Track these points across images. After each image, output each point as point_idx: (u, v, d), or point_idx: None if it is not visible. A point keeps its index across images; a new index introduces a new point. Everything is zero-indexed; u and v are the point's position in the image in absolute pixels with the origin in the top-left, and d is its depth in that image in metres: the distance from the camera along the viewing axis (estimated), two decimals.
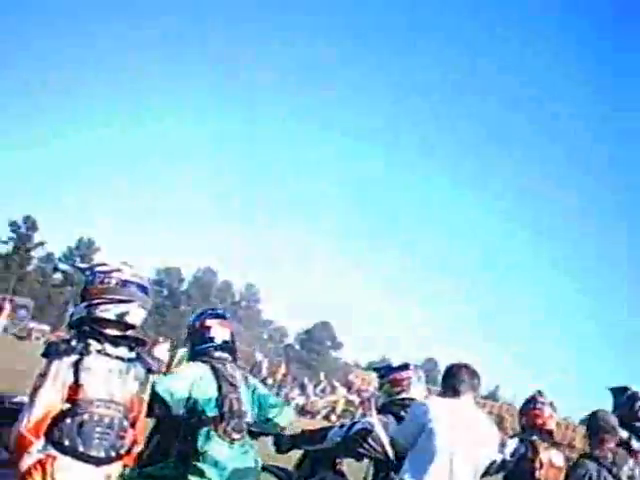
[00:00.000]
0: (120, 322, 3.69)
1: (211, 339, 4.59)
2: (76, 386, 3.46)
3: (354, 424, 4.71)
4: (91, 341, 3.57)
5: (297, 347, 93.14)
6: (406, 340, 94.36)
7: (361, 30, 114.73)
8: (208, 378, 4.37)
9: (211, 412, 4.29)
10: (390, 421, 4.72)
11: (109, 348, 3.60)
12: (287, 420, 4.74)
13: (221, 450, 4.26)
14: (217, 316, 4.73)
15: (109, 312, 3.67)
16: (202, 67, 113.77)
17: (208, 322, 4.65)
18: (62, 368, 3.45)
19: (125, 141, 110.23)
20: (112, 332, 3.66)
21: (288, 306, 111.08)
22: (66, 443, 3.43)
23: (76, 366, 3.47)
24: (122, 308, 3.68)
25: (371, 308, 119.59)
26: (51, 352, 3.50)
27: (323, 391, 29.20)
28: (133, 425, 3.71)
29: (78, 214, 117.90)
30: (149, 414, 4.06)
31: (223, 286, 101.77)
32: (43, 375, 3.45)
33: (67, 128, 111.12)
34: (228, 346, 4.63)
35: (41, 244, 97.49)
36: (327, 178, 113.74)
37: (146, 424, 4.06)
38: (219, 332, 4.60)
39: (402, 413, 4.76)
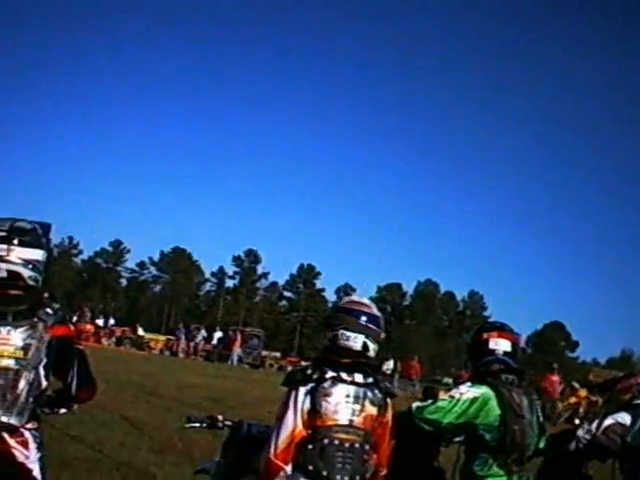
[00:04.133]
0: (348, 350, 3.69)
1: (490, 352, 4.29)
2: (315, 413, 3.51)
3: (603, 418, 4.46)
4: (326, 368, 3.60)
5: (528, 350, 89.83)
6: None
7: None
8: (491, 403, 4.11)
9: (492, 440, 4.07)
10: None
11: (344, 375, 3.61)
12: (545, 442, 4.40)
13: None
14: (494, 327, 4.45)
15: (334, 340, 3.71)
16: None
17: (485, 334, 4.37)
18: (300, 396, 3.52)
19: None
20: (344, 360, 3.67)
21: (514, 310, 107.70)
22: (310, 468, 3.48)
23: (313, 393, 3.52)
24: (347, 336, 3.70)
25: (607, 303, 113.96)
26: (290, 381, 3.61)
27: (562, 393, 27.60)
28: (376, 449, 3.68)
29: (297, 242, 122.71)
30: (397, 436, 3.95)
31: (445, 297, 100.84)
32: (284, 404, 3.55)
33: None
34: (510, 360, 4.32)
35: (265, 275, 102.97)
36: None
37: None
38: (498, 343, 4.31)
39: None
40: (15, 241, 3.51)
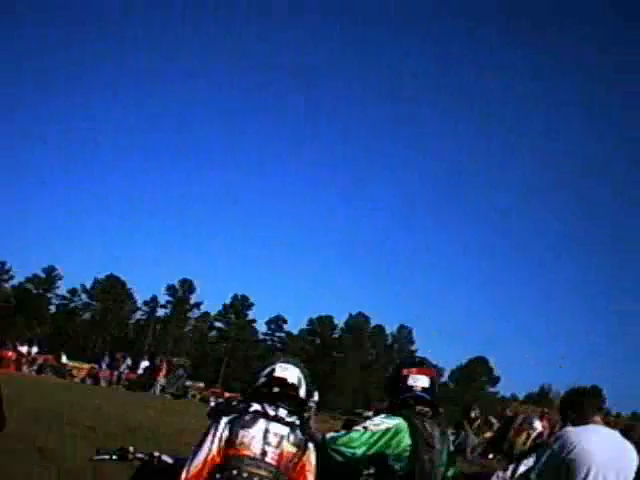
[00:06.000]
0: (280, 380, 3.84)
1: (409, 388, 4.39)
2: (230, 442, 3.56)
3: (517, 466, 4.79)
4: (252, 402, 3.70)
5: (451, 385, 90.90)
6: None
7: None
8: (403, 434, 4.17)
9: (401, 470, 4.12)
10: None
11: (269, 409, 3.69)
12: (454, 471, 4.55)
13: None
14: (414, 363, 4.55)
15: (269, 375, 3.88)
16: None
17: (405, 371, 4.47)
18: (220, 425, 3.60)
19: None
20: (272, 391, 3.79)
21: (441, 344, 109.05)
22: None
23: (232, 423, 3.60)
24: (284, 368, 3.90)
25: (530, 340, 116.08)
26: (214, 412, 3.70)
27: (479, 428, 28.03)
28: None
29: (232, 273, 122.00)
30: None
31: (375, 330, 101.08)
32: (206, 432, 3.63)
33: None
34: (427, 396, 4.41)
35: (197, 305, 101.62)
36: None
37: None
38: (417, 380, 4.41)
39: None
40: None
